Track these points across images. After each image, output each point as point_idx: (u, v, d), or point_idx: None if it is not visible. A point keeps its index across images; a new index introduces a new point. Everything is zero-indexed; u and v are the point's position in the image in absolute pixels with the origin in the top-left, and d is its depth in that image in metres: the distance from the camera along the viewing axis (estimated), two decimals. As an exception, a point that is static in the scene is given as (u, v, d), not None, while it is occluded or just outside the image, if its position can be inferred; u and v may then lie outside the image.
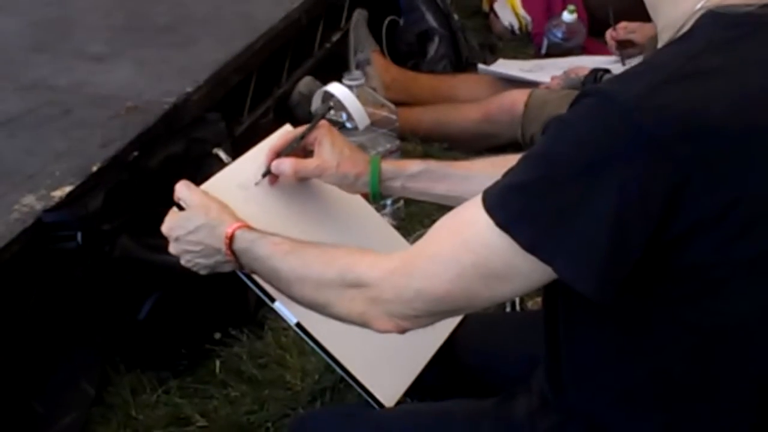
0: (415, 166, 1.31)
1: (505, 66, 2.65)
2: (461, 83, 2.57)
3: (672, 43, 0.93)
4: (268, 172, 1.31)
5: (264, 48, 2.24)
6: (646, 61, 0.92)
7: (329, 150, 1.29)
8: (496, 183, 0.95)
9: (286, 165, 1.28)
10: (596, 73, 2.18)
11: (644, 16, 1.02)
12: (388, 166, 1.30)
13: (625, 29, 2.46)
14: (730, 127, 0.86)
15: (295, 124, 1.53)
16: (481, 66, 2.60)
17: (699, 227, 0.87)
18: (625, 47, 2.46)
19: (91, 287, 1.58)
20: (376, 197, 1.31)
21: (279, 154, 1.30)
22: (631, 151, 0.85)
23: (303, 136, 1.31)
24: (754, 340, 0.94)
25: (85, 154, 1.66)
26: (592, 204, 0.86)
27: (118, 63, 2.08)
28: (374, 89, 2.44)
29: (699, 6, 0.92)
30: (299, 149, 1.32)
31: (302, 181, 1.33)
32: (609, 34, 2.50)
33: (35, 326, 1.53)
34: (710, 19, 0.90)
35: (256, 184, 1.30)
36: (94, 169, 1.61)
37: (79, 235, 1.51)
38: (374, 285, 1.03)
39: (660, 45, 0.97)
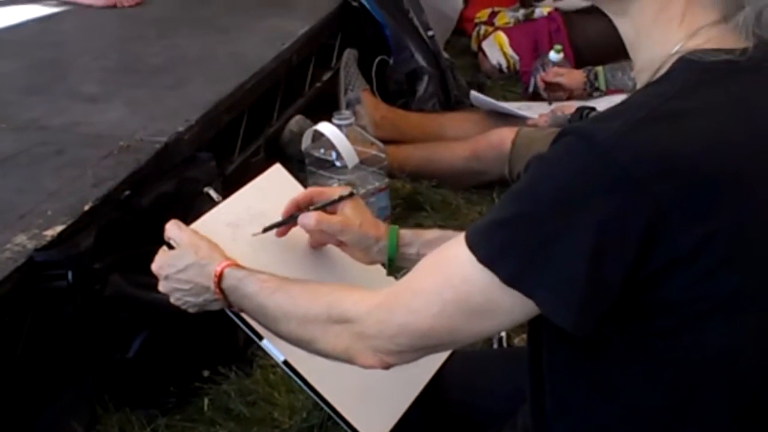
0: (431, 233, 1.32)
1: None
2: (450, 121, 2.60)
3: (649, 85, 0.96)
4: (286, 223, 1.31)
5: (255, 88, 2.27)
6: (625, 102, 0.95)
7: (352, 211, 1.31)
8: (479, 220, 0.97)
9: (310, 217, 1.30)
10: (582, 111, 2.23)
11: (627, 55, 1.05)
12: (406, 232, 1.31)
13: (554, 73, 2.61)
14: (704, 165, 0.88)
15: (285, 163, 1.55)
16: (473, 93, 2.63)
17: (675, 263, 0.89)
18: (554, 90, 2.59)
19: (81, 326, 1.59)
20: (392, 263, 1.30)
21: (300, 208, 1.32)
22: (608, 189, 0.87)
23: (332, 203, 1.32)
24: (731, 374, 0.95)
25: (78, 194, 1.68)
26: (570, 239, 0.88)
27: (111, 103, 2.11)
28: (364, 128, 2.48)
29: (675, 50, 0.95)
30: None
31: (315, 237, 1.33)
32: (539, 76, 2.63)
33: (25, 365, 1.54)
34: (686, 63, 0.93)
35: (265, 230, 1.31)
36: (86, 208, 1.62)
37: (69, 274, 1.52)
38: (358, 320, 1.05)
39: (639, 84, 1.01)
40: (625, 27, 1.00)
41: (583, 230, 0.87)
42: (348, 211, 1.31)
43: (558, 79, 2.59)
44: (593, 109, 2.26)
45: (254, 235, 1.30)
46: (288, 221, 1.31)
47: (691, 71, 0.92)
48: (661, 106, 0.90)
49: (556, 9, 2.94)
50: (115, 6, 2.78)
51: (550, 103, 2.57)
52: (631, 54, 1.02)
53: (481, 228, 0.95)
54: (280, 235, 1.33)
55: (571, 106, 2.39)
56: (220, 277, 1.21)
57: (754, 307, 0.93)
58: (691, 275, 0.89)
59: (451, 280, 0.97)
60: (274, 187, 1.39)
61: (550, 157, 0.92)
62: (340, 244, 1.33)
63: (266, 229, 1.30)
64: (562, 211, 0.89)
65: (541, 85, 2.62)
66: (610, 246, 0.88)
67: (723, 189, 0.89)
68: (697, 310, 0.91)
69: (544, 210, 0.90)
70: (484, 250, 0.93)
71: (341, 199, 1.32)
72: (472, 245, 0.94)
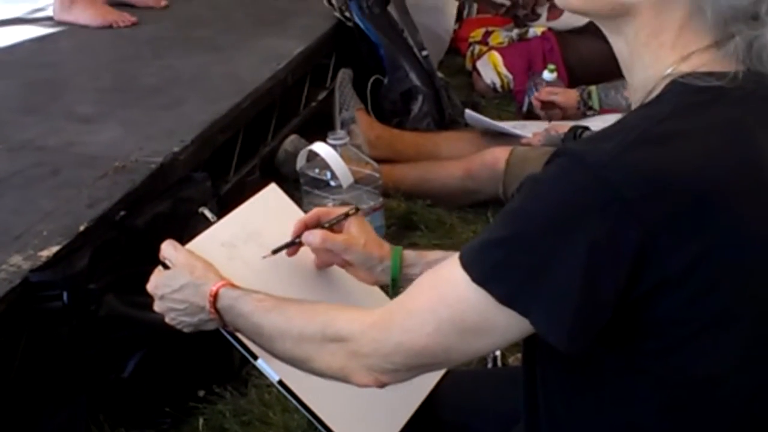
0: (434, 254, 1.33)
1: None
2: (444, 140, 2.61)
3: (642, 107, 0.97)
4: (292, 245, 1.32)
5: (250, 108, 2.28)
6: (617, 123, 0.96)
7: (357, 230, 1.32)
8: (473, 240, 0.98)
9: (315, 236, 1.30)
10: (575, 131, 2.25)
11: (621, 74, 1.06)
12: (410, 253, 1.32)
13: (548, 92, 2.63)
14: (694, 187, 0.90)
15: (281, 182, 1.56)
16: (468, 112, 2.65)
17: (666, 284, 0.90)
18: (549, 109, 2.61)
19: (76, 346, 1.59)
20: (395, 283, 1.31)
21: (307, 228, 1.33)
22: (600, 209, 0.88)
23: (338, 221, 1.33)
24: (722, 394, 0.96)
25: (73, 214, 1.68)
26: (563, 259, 0.89)
27: (106, 124, 2.12)
28: (359, 147, 2.49)
29: (667, 73, 0.96)
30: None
31: (320, 257, 1.33)
32: (534, 97, 2.64)
33: (20, 385, 1.53)
34: (677, 86, 0.95)
35: (274, 252, 1.31)
36: (82, 228, 1.63)
37: (65, 295, 1.52)
38: (353, 339, 1.05)
39: (633, 102, 1.02)
40: (619, 46, 1.02)
41: (576, 250, 0.89)
42: (353, 230, 1.32)
43: (552, 98, 2.61)
44: (587, 128, 2.27)
45: (264, 257, 1.31)
46: (295, 242, 1.32)
47: (682, 94, 0.94)
48: (653, 129, 0.91)
49: (550, 29, 2.96)
50: (111, 26, 2.79)
51: (550, 121, 2.58)
52: (625, 74, 1.03)
53: (475, 248, 0.96)
54: (291, 255, 1.33)
55: (565, 125, 2.40)
56: (215, 296, 1.21)
57: (743, 328, 0.94)
58: (682, 296, 0.90)
59: (446, 299, 0.98)
60: (269, 207, 1.40)
61: (543, 178, 0.93)
62: (345, 263, 1.33)
63: (275, 251, 1.31)
64: (555, 231, 0.90)
65: (537, 104, 2.64)
66: (603, 265, 0.89)
67: (713, 211, 0.90)
68: (687, 330, 0.92)
69: (537, 230, 0.91)
70: (478, 270, 0.94)
71: (348, 216, 1.33)
72: (467, 265, 0.95)
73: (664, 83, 0.96)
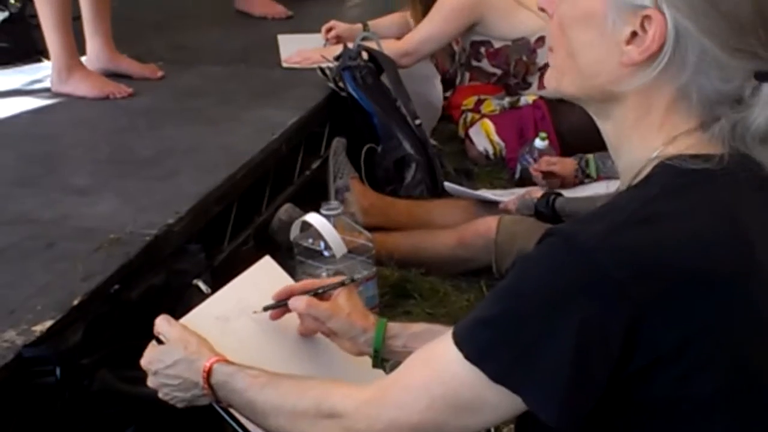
0: (418, 326, 1.35)
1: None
2: (437, 208, 2.63)
3: (630, 189, 1.00)
4: (279, 306, 1.35)
5: (245, 178, 2.30)
6: (606, 205, 0.98)
7: (344, 299, 1.35)
8: (466, 317, 0.99)
9: (301, 301, 1.33)
10: (548, 197, 2.28)
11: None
12: (394, 325, 1.35)
13: (547, 162, 2.67)
14: (682, 268, 0.91)
15: (275, 251, 1.57)
16: (447, 183, 2.67)
17: (658, 364, 0.91)
18: (548, 178, 2.65)
19: (69, 421, 1.58)
20: (378, 354, 1.32)
21: (294, 294, 1.35)
22: (590, 290, 0.90)
23: (325, 291, 1.35)
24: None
25: (67, 288, 1.68)
26: (554, 339, 0.91)
27: (101, 195, 2.13)
28: (353, 214, 2.50)
29: (654, 155, 0.99)
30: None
31: (305, 323, 1.36)
32: (532, 167, 2.68)
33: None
34: (665, 168, 0.97)
35: (255, 312, 1.35)
36: (76, 302, 1.63)
37: (58, 370, 1.52)
38: (347, 415, 1.06)
39: (621, 184, 1.04)
40: (607, 129, 1.04)
41: (567, 330, 0.90)
42: (340, 299, 1.35)
43: (551, 167, 2.64)
44: (559, 194, 2.31)
45: (255, 312, 1.34)
46: (282, 304, 1.35)
47: (669, 176, 0.96)
48: (641, 210, 0.93)
49: (541, 97, 3.00)
50: (107, 97, 2.82)
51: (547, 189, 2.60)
52: (613, 156, 1.06)
53: (468, 325, 0.98)
54: (275, 317, 1.36)
55: (539, 190, 2.44)
56: (209, 372, 1.23)
57: (737, 406, 0.94)
58: (675, 375, 0.91)
59: (440, 376, 0.99)
60: (263, 280, 1.41)
61: (534, 258, 0.96)
62: (329, 332, 1.34)
63: (266, 308, 1.35)
64: (546, 311, 0.92)
65: (537, 175, 2.67)
66: (594, 345, 0.90)
67: (702, 291, 0.91)
68: (680, 409, 0.93)
69: (529, 309, 0.93)
70: (471, 348, 0.96)
71: (335, 286, 1.35)
72: (460, 342, 0.97)
73: (652, 165, 0.98)
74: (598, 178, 2.61)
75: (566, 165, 2.64)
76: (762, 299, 0.93)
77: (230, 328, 1.33)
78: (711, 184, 0.95)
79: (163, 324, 1.28)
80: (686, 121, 0.99)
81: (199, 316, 1.32)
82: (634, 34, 0.97)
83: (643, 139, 1.00)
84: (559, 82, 1.05)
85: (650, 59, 0.97)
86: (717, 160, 0.96)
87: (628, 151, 1.02)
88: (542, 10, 1.06)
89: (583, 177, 2.63)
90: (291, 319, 1.36)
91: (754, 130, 0.96)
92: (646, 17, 0.96)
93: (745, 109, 0.96)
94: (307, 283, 1.40)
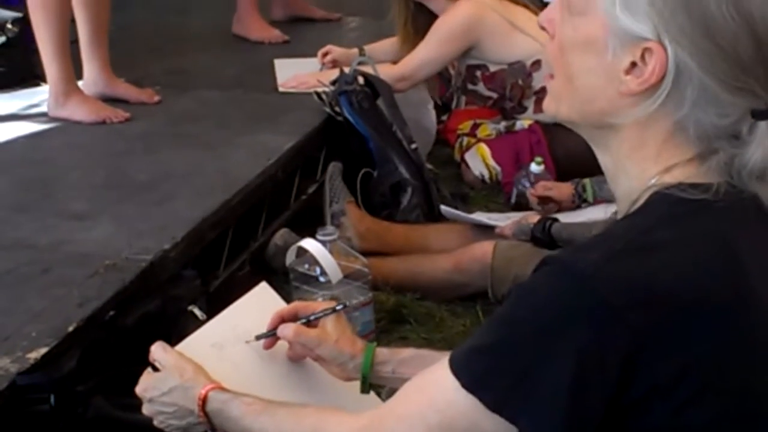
0: (406, 352, 1.35)
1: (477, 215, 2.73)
2: (433, 233, 2.63)
3: (627, 217, 1.00)
4: (270, 335, 1.35)
5: (241, 203, 2.30)
6: (603, 233, 0.99)
7: (333, 326, 1.35)
8: (463, 345, 0.99)
9: (289, 329, 1.34)
10: (545, 222, 2.28)
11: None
12: (382, 350, 1.35)
13: (543, 187, 2.67)
14: (679, 296, 0.91)
15: (271, 276, 1.57)
16: (443, 207, 2.68)
17: (655, 393, 0.91)
18: (545, 203, 2.64)
19: (63, 449, 1.57)
20: (366, 381, 1.32)
21: (284, 321, 1.35)
22: (587, 318, 0.90)
23: (316, 318, 1.35)
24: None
25: (62, 314, 1.68)
26: (551, 367, 0.91)
27: (98, 221, 2.13)
28: (349, 239, 2.50)
29: (650, 184, 0.99)
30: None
31: (294, 349, 1.36)
32: (529, 191, 2.68)
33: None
34: (661, 197, 0.98)
35: (248, 342, 1.35)
36: (71, 329, 1.63)
37: (52, 398, 1.51)
38: (342, 443, 1.06)
39: (618, 212, 1.05)
40: (604, 158, 1.05)
41: (563, 358, 0.90)
42: (329, 326, 1.35)
43: (548, 192, 2.64)
44: (556, 219, 2.31)
45: (247, 342, 1.34)
46: (273, 333, 1.35)
47: (666, 205, 0.97)
48: (638, 239, 0.94)
49: (537, 121, 3.02)
50: (104, 122, 2.83)
51: (543, 213, 2.60)
52: (610, 185, 1.06)
53: (464, 353, 0.98)
54: (267, 347, 1.36)
55: (535, 215, 2.44)
56: (204, 400, 1.23)
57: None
58: (672, 403, 0.91)
59: (436, 404, 0.99)
60: (259, 306, 1.42)
61: (531, 286, 0.96)
62: (317, 358, 1.35)
63: (258, 337, 1.35)
64: (542, 339, 0.92)
65: (533, 200, 2.67)
66: (590, 374, 0.90)
67: (699, 320, 0.91)
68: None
69: (526, 337, 0.93)
70: (467, 376, 0.96)
71: (326, 313, 1.35)
72: (456, 370, 0.97)
73: (648, 194, 0.98)
74: (595, 202, 2.62)
75: (563, 190, 2.64)
76: (758, 328, 0.94)
77: (226, 355, 1.33)
78: (707, 214, 0.96)
79: (158, 351, 1.29)
80: (683, 152, 0.99)
81: (194, 343, 1.32)
82: (633, 64, 0.97)
83: (640, 168, 1.01)
84: (557, 106, 1.05)
85: (648, 91, 0.97)
86: (714, 190, 0.96)
87: (624, 180, 1.03)
88: (543, 28, 1.06)
89: (579, 201, 2.63)
90: (285, 345, 1.36)
91: (751, 166, 0.97)
92: (647, 49, 0.96)
93: (742, 146, 0.97)
94: (298, 306, 1.40)
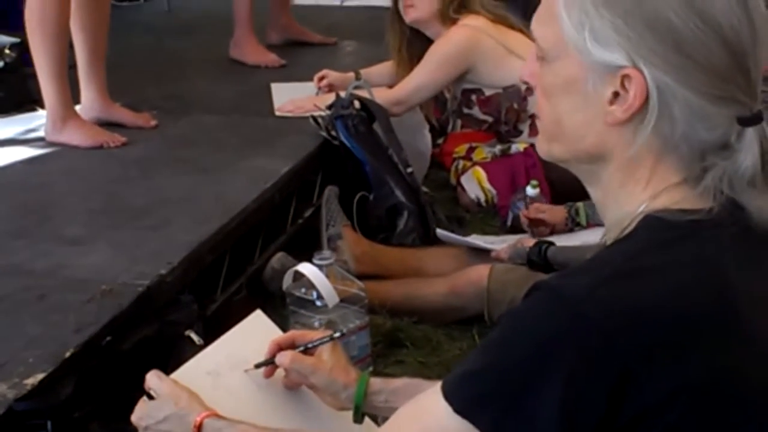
0: (399, 381, 1.36)
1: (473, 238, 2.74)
2: (429, 256, 2.64)
3: (617, 242, 1.01)
4: (269, 363, 1.36)
5: (238, 227, 2.31)
6: (593, 259, 0.99)
7: (328, 354, 1.36)
8: (454, 370, 1.00)
9: (286, 356, 1.35)
10: (541, 246, 2.29)
11: None
12: (376, 380, 1.36)
13: (536, 209, 2.67)
14: (669, 322, 0.92)
15: (268, 300, 1.57)
16: (439, 230, 2.68)
17: (645, 416, 0.91)
18: (537, 225, 2.65)
19: (59, 475, 1.57)
20: (358, 410, 1.33)
21: (281, 349, 1.37)
22: (577, 342, 0.91)
23: (313, 346, 1.36)
24: None
25: (59, 340, 1.68)
26: (542, 391, 0.92)
27: (94, 245, 2.14)
28: (345, 262, 2.51)
29: (640, 210, 1.00)
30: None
31: (290, 377, 1.37)
32: (522, 213, 2.69)
33: None
34: (650, 221, 0.99)
35: (246, 371, 1.36)
36: (67, 354, 1.63)
37: (49, 424, 1.52)
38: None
39: (608, 240, 1.06)
40: (595, 192, 1.07)
41: (555, 382, 0.91)
42: (324, 354, 1.36)
43: (540, 215, 2.65)
44: (552, 243, 2.32)
45: (246, 371, 1.35)
46: (271, 361, 1.37)
47: (656, 230, 0.98)
48: (627, 264, 0.95)
49: (532, 145, 3.03)
50: (101, 147, 2.84)
51: (534, 236, 2.62)
52: (600, 212, 1.07)
53: (456, 378, 0.99)
54: (267, 375, 1.37)
55: (531, 239, 2.45)
56: (199, 427, 1.24)
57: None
58: (662, 426, 0.92)
59: (429, 429, 1.00)
60: (254, 334, 1.42)
61: (521, 311, 0.97)
62: (311, 386, 1.36)
63: (258, 365, 1.36)
64: (533, 364, 0.92)
65: (524, 222, 2.68)
66: (581, 397, 0.91)
67: (687, 345, 0.92)
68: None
69: (517, 362, 0.94)
70: (460, 401, 0.96)
71: (322, 342, 1.36)
72: (449, 395, 0.97)
73: (638, 219, 0.99)
74: (588, 226, 2.62)
75: (556, 213, 2.65)
76: (745, 353, 0.94)
77: (221, 383, 1.33)
78: (697, 238, 0.97)
79: (153, 379, 1.29)
80: (673, 174, 1.01)
81: (190, 371, 1.32)
82: (616, 94, 0.99)
83: (631, 196, 1.02)
84: (549, 147, 1.08)
85: (636, 118, 0.99)
86: (704, 213, 0.97)
87: (615, 209, 1.04)
88: (525, 83, 1.09)
89: (573, 225, 2.64)
90: (281, 373, 1.37)
91: (742, 173, 0.98)
92: (626, 76, 0.98)
93: (732, 154, 0.98)
94: (296, 334, 1.41)
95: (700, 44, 0.96)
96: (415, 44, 3.19)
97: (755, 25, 0.98)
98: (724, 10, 0.97)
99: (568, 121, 1.03)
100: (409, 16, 3.13)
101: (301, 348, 1.36)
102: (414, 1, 3.10)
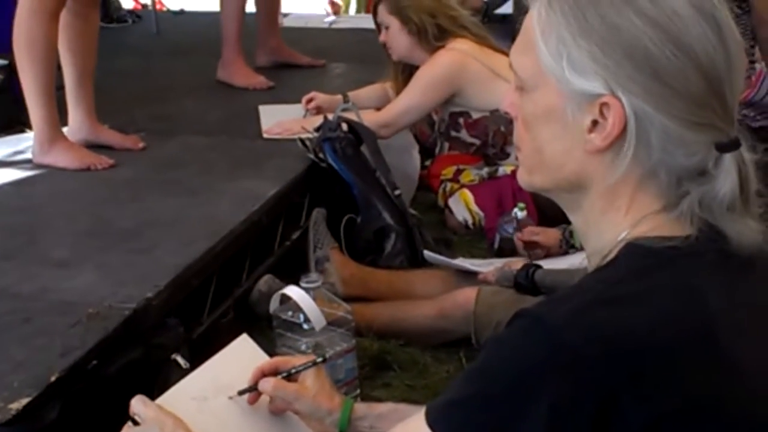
0: (384, 407, 1.37)
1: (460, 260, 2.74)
2: (417, 278, 2.64)
3: (598, 270, 1.02)
4: (252, 389, 1.36)
5: (225, 250, 2.31)
6: (574, 286, 1.00)
7: (312, 380, 1.36)
8: (438, 398, 1.00)
9: (268, 383, 1.35)
10: (528, 269, 2.29)
11: None
12: (360, 405, 1.37)
13: (530, 232, 2.68)
14: (647, 349, 0.93)
15: (255, 323, 1.56)
16: (426, 252, 2.69)
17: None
18: (532, 248, 2.65)
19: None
20: None
21: (265, 375, 1.36)
22: (559, 370, 0.92)
23: (297, 371, 1.36)
24: None
25: (44, 364, 1.68)
26: (526, 419, 0.92)
27: (81, 268, 2.13)
28: (333, 285, 2.51)
29: (621, 237, 1.02)
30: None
31: (275, 403, 1.37)
32: (516, 236, 2.70)
33: None
34: (631, 249, 1.00)
35: (230, 398, 1.35)
36: (53, 379, 1.62)
37: (33, 450, 1.51)
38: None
39: (589, 267, 1.07)
40: (577, 220, 1.08)
41: (537, 410, 0.91)
42: (308, 380, 1.36)
43: (534, 238, 2.66)
44: (539, 266, 2.32)
45: (230, 398, 1.35)
46: (254, 388, 1.36)
47: (636, 257, 0.98)
48: (608, 291, 0.96)
49: (519, 167, 3.05)
50: (88, 169, 2.84)
51: (530, 259, 2.62)
52: (582, 240, 1.08)
53: (440, 406, 0.99)
54: (251, 402, 1.36)
55: (519, 261, 2.46)
56: (184, 453, 1.23)
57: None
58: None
59: (413, 457, 0.99)
60: (240, 359, 1.42)
61: (504, 339, 0.98)
62: (297, 412, 1.36)
63: (241, 393, 1.35)
64: (516, 392, 0.93)
65: (519, 244, 2.69)
66: (564, 424, 0.91)
67: (668, 371, 0.93)
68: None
69: (500, 390, 0.94)
70: (444, 429, 0.97)
71: (306, 367, 1.36)
72: (432, 424, 0.98)
73: (619, 247, 1.00)
74: (582, 248, 2.63)
75: (550, 235, 2.65)
76: (726, 380, 0.95)
77: (207, 408, 1.33)
78: (676, 265, 0.98)
79: (138, 404, 1.29)
80: (652, 202, 1.02)
81: (175, 396, 1.32)
82: (595, 122, 1.00)
83: (611, 224, 1.03)
84: (530, 177, 1.10)
85: (615, 146, 1.00)
86: (684, 240, 0.98)
87: (596, 237, 1.05)
88: (507, 114, 1.10)
89: (567, 247, 2.64)
90: (267, 399, 1.37)
91: (720, 199, 0.99)
92: (604, 104, 0.99)
93: (710, 180, 0.99)
94: (278, 361, 1.41)
95: (677, 71, 0.97)
96: (407, 71, 3.24)
97: (730, 52, 1.00)
98: (700, 37, 0.98)
99: (548, 150, 1.05)
100: (393, 57, 3.25)
101: (285, 374, 1.36)
102: (389, 44, 3.21)
